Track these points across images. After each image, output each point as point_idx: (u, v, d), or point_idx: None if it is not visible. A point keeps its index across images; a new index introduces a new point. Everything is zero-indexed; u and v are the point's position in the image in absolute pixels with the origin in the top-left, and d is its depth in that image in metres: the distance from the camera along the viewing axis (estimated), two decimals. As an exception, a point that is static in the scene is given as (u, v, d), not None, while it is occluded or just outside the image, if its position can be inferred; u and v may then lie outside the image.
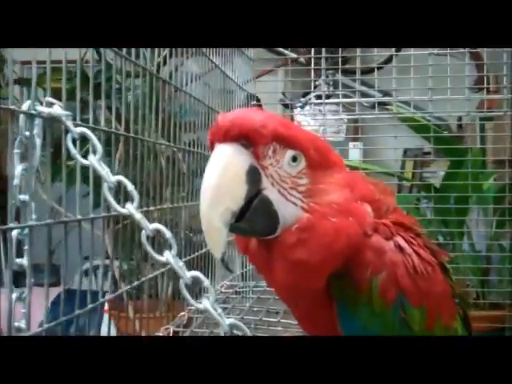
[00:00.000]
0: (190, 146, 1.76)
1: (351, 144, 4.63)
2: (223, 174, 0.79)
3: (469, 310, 1.03)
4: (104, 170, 0.81)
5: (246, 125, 0.80)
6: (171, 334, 1.27)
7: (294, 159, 0.83)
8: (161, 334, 1.27)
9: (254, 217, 0.82)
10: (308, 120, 4.14)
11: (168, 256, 0.81)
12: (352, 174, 0.91)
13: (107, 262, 1.48)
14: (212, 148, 0.83)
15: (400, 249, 0.88)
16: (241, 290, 1.77)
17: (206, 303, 0.81)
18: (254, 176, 0.81)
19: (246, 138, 0.80)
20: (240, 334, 0.82)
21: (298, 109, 3.98)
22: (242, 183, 0.80)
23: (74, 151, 0.83)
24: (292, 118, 3.99)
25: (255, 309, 1.56)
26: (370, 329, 0.87)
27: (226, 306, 1.60)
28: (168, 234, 0.82)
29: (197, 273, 0.82)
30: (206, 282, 0.82)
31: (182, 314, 1.43)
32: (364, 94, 2.93)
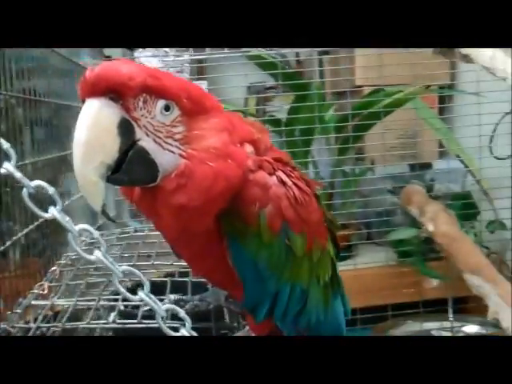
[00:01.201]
0: (26, 93, 1.65)
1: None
2: (93, 128, 0.80)
3: (338, 231, 1.14)
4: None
5: (112, 78, 0.80)
6: (46, 290, 1.26)
7: (167, 108, 0.85)
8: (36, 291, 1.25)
9: (131, 167, 0.84)
10: (150, 60, 4.08)
11: (53, 212, 0.80)
12: (230, 117, 0.94)
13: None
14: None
15: (282, 182, 0.94)
16: (107, 238, 1.77)
17: (97, 254, 0.82)
18: (125, 128, 0.82)
19: (114, 92, 0.81)
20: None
21: (140, 49, 3.90)
22: (113, 136, 0.81)
23: None
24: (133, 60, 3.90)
25: (126, 255, 1.57)
26: (260, 258, 0.94)
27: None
28: (51, 189, 0.81)
29: (85, 225, 0.82)
30: (96, 234, 0.82)
31: (54, 268, 1.41)
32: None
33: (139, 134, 0.84)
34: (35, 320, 1.14)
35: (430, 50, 2.55)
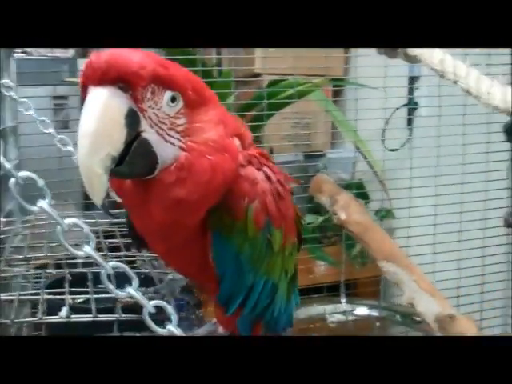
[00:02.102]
0: None
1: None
2: (101, 119, 0.77)
3: (302, 226, 1.17)
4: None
5: (123, 67, 0.77)
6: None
7: (173, 100, 0.83)
8: None
9: (133, 160, 0.81)
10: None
11: (43, 204, 0.76)
12: (222, 109, 0.94)
13: None
14: (84, 91, 0.79)
15: (268, 178, 0.96)
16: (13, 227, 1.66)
17: (87, 249, 0.79)
18: (132, 119, 0.80)
19: (124, 82, 0.78)
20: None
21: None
22: (121, 128, 0.78)
23: None
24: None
25: (54, 244, 1.50)
26: (243, 253, 0.95)
27: (22, 244, 1.51)
28: (41, 182, 0.77)
29: (75, 219, 0.79)
30: (86, 229, 0.79)
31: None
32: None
33: (144, 125, 0.82)
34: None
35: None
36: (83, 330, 1.16)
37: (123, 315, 1.08)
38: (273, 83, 2.91)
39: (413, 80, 3.00)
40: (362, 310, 2.82)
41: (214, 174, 0.85)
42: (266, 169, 0.97)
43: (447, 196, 2.40)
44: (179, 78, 0.83)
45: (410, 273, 1.68)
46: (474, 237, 2.39)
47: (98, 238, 1.61)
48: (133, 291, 0.83)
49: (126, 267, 0.83)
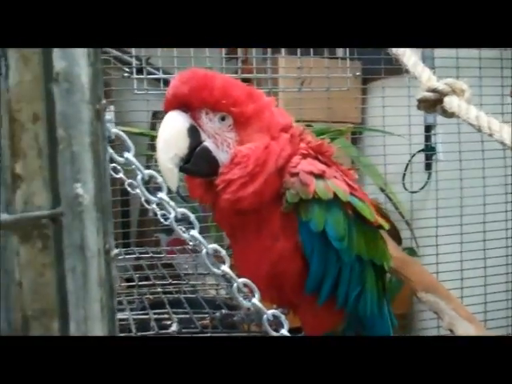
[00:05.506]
0: None
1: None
2: (170, 131, 1.10)
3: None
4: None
5: (182, 98, 1.09)
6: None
7: (223, 118, 1.12)
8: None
9: (197, 161, 1.12)
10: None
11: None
12: (270, 112, 1.15)
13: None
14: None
15: (327, 165, 1.16)
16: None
17: (224, 268, 0.95)
18: (193, 132, 1.11)
19: (184, 107, 1.10)
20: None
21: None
22: (184, 137, 1.10)
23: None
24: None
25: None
26: (328, 227, 1.12)
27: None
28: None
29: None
30: (223, 252, 0.95)
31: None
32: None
33: (203, 136, 1.12)
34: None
35: (344, 93, 2.84)
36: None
37: (224, 330, 1.22)
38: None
39: (429, 128, 3.20)
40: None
41: (261, 156, 1.09)
42: (322, 158, 1.15)
43: (471, 234, 2.57)
44: (226, 102, 1.10)
45: (449, 302, 1.83)
46: (499, 272, 2.55)
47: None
48: (257, 302, 0.98)
49: (250, 282, 0.98)
